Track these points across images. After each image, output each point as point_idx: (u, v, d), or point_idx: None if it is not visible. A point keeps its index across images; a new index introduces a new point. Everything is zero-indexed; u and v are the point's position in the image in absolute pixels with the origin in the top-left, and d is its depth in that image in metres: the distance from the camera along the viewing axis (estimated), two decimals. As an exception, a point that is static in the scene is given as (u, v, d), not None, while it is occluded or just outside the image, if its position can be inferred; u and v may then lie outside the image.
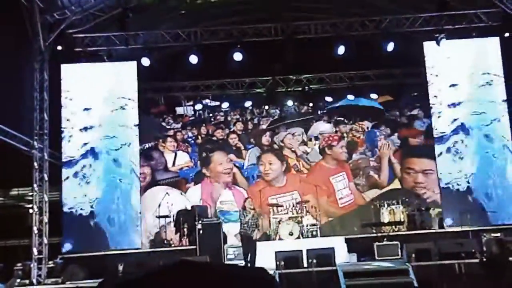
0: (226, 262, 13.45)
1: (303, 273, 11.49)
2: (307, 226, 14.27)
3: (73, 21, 14.86)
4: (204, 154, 18.23)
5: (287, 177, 17.98)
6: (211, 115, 19.36)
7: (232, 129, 18.95)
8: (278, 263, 11.81)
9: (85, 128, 15.51)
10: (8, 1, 13.56)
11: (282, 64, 17.12)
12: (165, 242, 15.75)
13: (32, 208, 14.50)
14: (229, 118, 19.26)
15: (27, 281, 13.19)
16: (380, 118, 18.86)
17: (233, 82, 19.05)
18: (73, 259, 13.99)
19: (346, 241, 13.72)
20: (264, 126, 19.04)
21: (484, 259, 10.75)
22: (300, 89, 19.17)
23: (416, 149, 18.29)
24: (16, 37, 14.27)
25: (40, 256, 13.80)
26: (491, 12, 15.41)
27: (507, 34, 15.36)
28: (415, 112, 18.81)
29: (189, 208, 16.49)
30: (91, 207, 15.09)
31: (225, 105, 19.18)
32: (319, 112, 19.11)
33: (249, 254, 11.93)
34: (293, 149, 18.35)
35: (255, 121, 19.26)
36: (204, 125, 19.04)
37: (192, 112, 19.33)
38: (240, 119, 19.22)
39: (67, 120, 15.52)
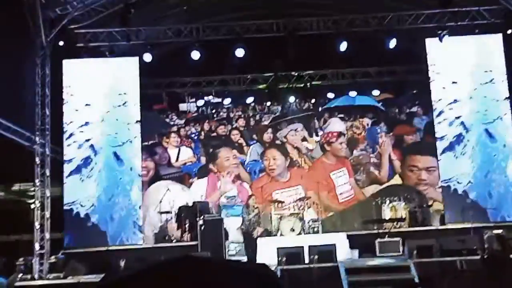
0: (228, 258, 13.48)
1: (305, 269, 11.50)
2: (308, 222, 14.28)
3: (75, 16, 14.82)
4: (211, 149, 18.25)
5: (290, 172, 18.02)
6: (213, 111, 19.40)
7: (234, 126, 18.97)
8: (279, 259, 11.82)
9: (86, 124, 15.52)
10: (10, -3, 13.57)
11: (284, 61, 17.10)
12: (167, 238, 15.77)
13: (34, 203, 14.51)
14: (231, 115, 19.28)
15: (29, 276, 13.21)
16: (380, 115, 18.84)
17: (235, 78, 19.04)
18: (74, 255, 14.02)
19: (347, 238, 13.72)
20: (266, 123, 19.05)
21: (485, 256, 10.76)
22: (302, 85, 19.15)
23: (416, 146, 18.26)
24: (17, 32, 14.26)
25: (42, 251, 13.81)
26: (494, 9, 15.36)
27: (510, 31, 15.30)
28: (414, 109, 18.78)
29: (190, 204, 16.48)
30: (92, 203, 15.10)
31: (227, 101, 19.19)
32: (319, 109, 19.11)
33: (250, 251, 11.96)
34: (295, 145, 18.37)
35: (257, 117, 19.28)
36: (207, 121, 19.08)
37: (195, 109, 19.36)
38: (242, 116, 19.25)
39: (69, 115, 15.52)
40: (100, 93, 15.68)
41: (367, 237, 14.24)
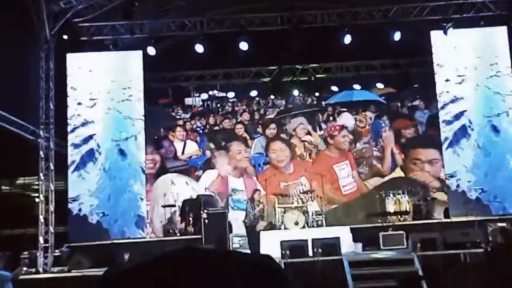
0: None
1: (309, 262, 11.49)
2: (312, 215, 14.27)
3: (78, 10, 14.82)
4: (223, 143, 18.29)
5: (294, 164, 18.04)
6: (219, 105, 19.49)
7: (239, 119, 19.01)
8: (283, 252, 11.81)
9: (90, 119, 15.52)
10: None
11: (288, 54, 17.06)
12: (171, 231, 15.82)
13: (38, 197, 14.56)
14: (236, 108, 19.33)
15: (33, 270, 13.28)
16: (382, 109, 18.82)
17: (239, 71, 19.04)
18: (79, 248, 14.06)
19: (351, 231, 13.72)
20: (270, 116, 19.07)
21: (489, 249, 10.74)
22: (306, 78, 19.13)
23: (415, 140, 18.27)
24: (22, 26, 14.27)
25: (46, 244, 13.88)
26: (499, 1, 15.28)
27: (515, 23, 15.25)
28: (416, 103, 18.73)
29: (194, 197, 16.53)
30: (95, 198, 15.13)
31: (231, 94, 19.20)
32: (323, 104, 19.09)
33: (253, 245, 11.96)
34: (303, 139, 18.38)
35: (261, 111, 19.30)
36: (212, 115, 19.14)
37: (201, 103, 19.43)
38: (247, 110, 19.28)
39: (73, 109, 15.53)
40: (104, 87, 15.68)
41: (371, 230, 14.22)
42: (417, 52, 17.06)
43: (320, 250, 11.62)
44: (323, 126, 18.64)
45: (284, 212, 14.16)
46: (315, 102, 19.22)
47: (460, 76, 15.47)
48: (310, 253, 11.85)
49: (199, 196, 16.00)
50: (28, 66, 14.74)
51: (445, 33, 15.20)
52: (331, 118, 18.75)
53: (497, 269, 9.10)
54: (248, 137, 18.58)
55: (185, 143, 18.58)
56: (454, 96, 15.44)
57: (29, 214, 17.34)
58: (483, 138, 15.25)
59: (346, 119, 18.63)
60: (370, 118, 18.66)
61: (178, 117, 19.07)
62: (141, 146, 15.64)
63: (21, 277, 11.60)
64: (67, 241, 14.61)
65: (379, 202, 15.92)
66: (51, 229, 14.04)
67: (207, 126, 19.00)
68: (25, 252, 13.79)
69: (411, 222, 14.72)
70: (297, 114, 18.86)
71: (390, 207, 15.43)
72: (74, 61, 15.75)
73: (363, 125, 18.58)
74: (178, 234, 15.34)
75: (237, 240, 14.34)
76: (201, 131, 18.91)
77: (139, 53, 15.86)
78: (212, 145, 18.46)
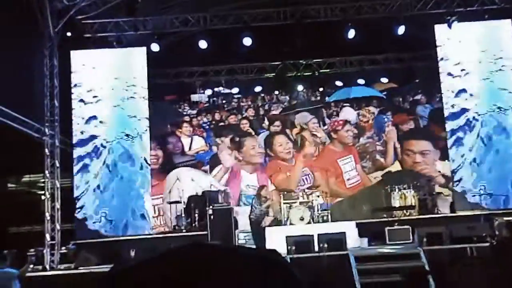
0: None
1: (314, 257, 11.50)
2: (318, 211, 14.28)
3: (82, 7, 14.82)
4: (237, 138, 18.32)
5: (297, 158, 18.04)
6: (224, 101, 19.56)
7: (244, 115, 19.05)
8: (289, 247, 11.82)
9: (95, 116, 15.55)
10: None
11: (292, 49, 17.04)
12: (176, 228, 15.85)
13: (44, 194, 14.60)
14: (241, 104, 19.40)
15: (40, 267, 13.32)
16: (385, 104, 18.80)
17: (243, 67, 19.04)
18: (85, 245, 14.10)
19: (357, 226, 13.71)
20: (275, 112, 19.08)
21: (494, 243, 10.72)
22: (309, 73, 19.11)
23: (409, 133, 18.26)
24: (25, 24, 14.28)
25: (53, 242, 13.92)
26: (504, -6, 15.22)
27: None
28: (417, 97, 18.69)
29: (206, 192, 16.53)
30: (101, 195, 15.18)
31: (235, 90, 19.24)
32: (326, 99, 19.08)
33: (258, 241, 11.99)
34: (313, 132, 18.39)
35: (266, 107, 19.33)
36: (218, 111, 19.20)
37: (207, 99, 19.48)
38: (252, 106, 19.33)
39: (77, 107, 15.56)
40: (108, 84, 15.70)
41: (377, 225, 14.21)
42: (421, 46, 16.99)
43: (325, 245, 11.62)
44: (327, 121, 18.65)
45: (290, 208, 14.17)
46: (318, 97, 19.21)
47: (464, 70, 15.41)
48: (316, 249, 11.85)
49: (204, 193, 16.02)
50: (32, 63, 14.75)
51: (450, 26, 15.14)
52: (334, 113, 18.75)
53: (503, 262, 9.09)
54: (253, 133, 18.60)
55: (191, 139, 18.68)
56: (459, 91, 15.39)
57: (35, 211, 17.39)
58: (487, 132, 15.19)
59: (348, 113, 18.63)
60: (373, 113, 18.67)
61: (184, 113, 19.13)
62: (146, 144, 15.66)
63: (28, 274, 11.65)
64: (73, 238, 14.67)
65: (384, 196, 15.89)
66: (57, 226, 14.08)
67: (213, 122, 19.07)
68: (32, 250, 13.82)
69: (417, 217, 14.69)
70: (302, 110, 18.85)
71: (396, 201, 15.41)
72: (78, 58, 15.77)
73: (366, 119, 18.61)
74: (184, 231, 15.36)
75: (243, 236, 14.35)
76: (207, 127, 18.99)
77: (143, 49, 15.87)
78: (220, 141, 18.48)
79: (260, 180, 17.67)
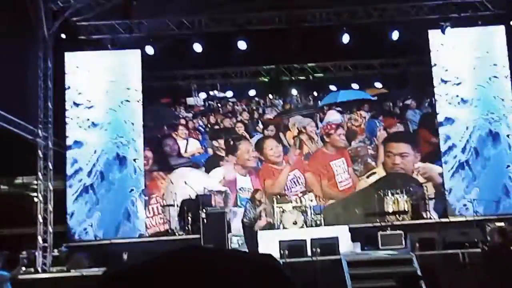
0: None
1: (307, 262, 11.50)
2: (311, 215, 14.28)
3: (76, 9, 14.81)
4: (231, 142, 18.35)
5: (290, 160, 18.10)
6: (219, 105, 19.61)
7: (239, 119, 19.08)
8: (282, 252, 11.80)
9: (89, 119, 15.49)
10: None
11: (286, 53, 17.07)
12: (169, 231, 15.81)
13: (36, 196, 14.54)
14: (236, 108, 19.42)
15: (32, 269, 13.26)
16: (377, 108, 18.89)
17: (237, 71, 19.05)
18: (78, 248, 14.05)
19: (349, 230, 13.72)
20: (269, 116, 19.12)
21: (486, 249, 10.75)
22: (304, 78, 19.14)
23: (395, 135, 18.42)
24: (19, 25, 14.24)
25: (45, 244, 13.87)
26: (497, 0, 15.28)
27: (513, 22, 15.24)
28: (408, 102, 18.78)
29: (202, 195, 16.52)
30: (94, 198, 15.13)
31: (229, 94, 19.26)
32: (319, 103, 19.13)
33: (251, 244, 11.97)
34: (311, 135, 18.46)
35: (260, 111, 19.36)
36: (213, 114, 19.27)
37: (202, 102, 19.52)
38: (246, 109, 19.39)
39: (71, 109, 15.50)
40: (102, 87, 15.62)
41: (370, 230, 14.22)
42: (415, 51, 17.05)
43: (318, 250, 11.62)
44: (320, 124, 18.72)
45: (283, 212, 14.16)
46: (311, 102, 19.29)
47: (458, 76, 15.44)
48: (309, 253, 11.85)
49: (197, 196, 16.00)
50: (26, 65, 14.70)
51: (443, 32, 15.19)
52: (323, 117, 18.89)
53: (495, 268, 9.11)
54: (248, 136, 18.64)
55: (187, 141, 18.73)
56: (451, 97, 15.42)
57: (27, 213, 17.32)
58: (479, 139, 15.22)
59: (331, 115, 18.75)
60: (365, 118, 18.78)
61: (180, 116, 19.17)
62: (139, 147, 15.62)
63: (20, 277, 11.61)
64: (66, 241, 14.60)
65: (377, 201, 15.90)
66: (50, 228, 14.03)
67: (209, 125, 19.12)
68: (24, 252, 13.76)
69: (410, 222, 14.71)
70: (296, 114, 18.91)
71: (389, 206, 15.43)
72: (72, 60, 15.69)
73: (358, 124, 18.72)
74: (177, 234, 15.32)
75: (236, 240, 14.33)
76: (203, 130, 19.06)
77: (138, 52, 15.85)
78: (217, 143, 18.53)
79: (254, 184, 17.73)
